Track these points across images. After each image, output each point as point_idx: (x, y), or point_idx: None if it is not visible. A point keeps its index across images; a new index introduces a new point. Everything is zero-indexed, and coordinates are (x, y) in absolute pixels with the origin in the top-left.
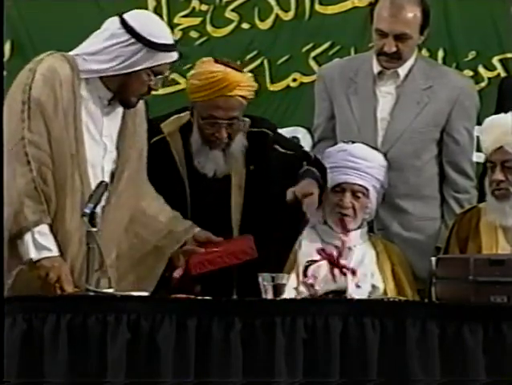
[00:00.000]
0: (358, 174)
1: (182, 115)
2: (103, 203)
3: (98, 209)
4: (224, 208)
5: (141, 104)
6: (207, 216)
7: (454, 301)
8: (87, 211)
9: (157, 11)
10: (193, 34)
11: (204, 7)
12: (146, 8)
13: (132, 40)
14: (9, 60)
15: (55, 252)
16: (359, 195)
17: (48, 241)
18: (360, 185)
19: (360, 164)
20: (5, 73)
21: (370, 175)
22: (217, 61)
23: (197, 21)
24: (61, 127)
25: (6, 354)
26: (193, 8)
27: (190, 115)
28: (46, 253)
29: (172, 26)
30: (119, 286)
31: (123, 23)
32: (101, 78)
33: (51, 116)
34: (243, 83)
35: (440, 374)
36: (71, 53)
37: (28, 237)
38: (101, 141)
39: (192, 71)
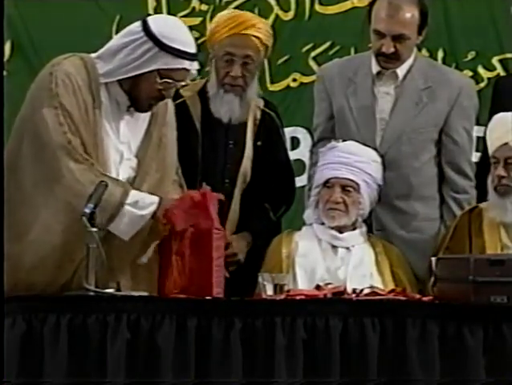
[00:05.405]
0: (346, 168)
1: (198, 81)
2: None
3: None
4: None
5: (171, 115)
6: (213, 173)
7: (454, 301)
8: (87, 211)
9: (157, 11)
10: (193, 34)
11: (204, 7)
12: (146, 8)
13: (145, 38)
14: (9, 60)
15: (155, 197)
16: (350, 189)
17: (143, 195)
18: (349, 179)
19: (349, 158)
20: (5, 73)
21: (359, 169)
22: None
23: (197, 21)
24: (86, 131)
25: (6, 354)
26: (193, 8)
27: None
28: (154, 200)
29: None
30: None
31: (144, 22)
32: (119, 82)
33: (79, 121)
34: (258, 25)
35: (440, 374)
36: (93, 55)
37: (126, 209)
38: (118, 147)
39: None
